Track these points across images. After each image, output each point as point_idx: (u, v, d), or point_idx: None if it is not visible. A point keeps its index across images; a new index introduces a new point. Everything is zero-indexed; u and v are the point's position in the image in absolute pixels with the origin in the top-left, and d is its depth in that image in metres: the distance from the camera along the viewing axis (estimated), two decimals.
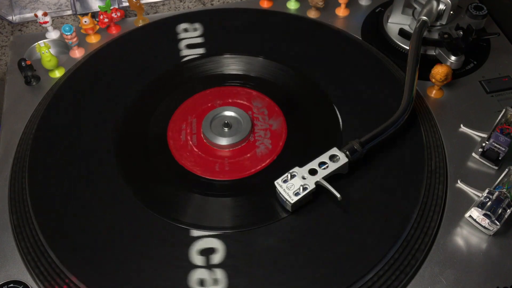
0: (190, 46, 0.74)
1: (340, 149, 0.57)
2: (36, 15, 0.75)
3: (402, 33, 0.74)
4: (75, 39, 0.75)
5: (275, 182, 0.55)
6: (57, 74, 0.73)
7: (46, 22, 0.75)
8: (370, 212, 0.56)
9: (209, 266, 0.52)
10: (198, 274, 0.52)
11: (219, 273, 0.52)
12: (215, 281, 0.51)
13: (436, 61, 0.70)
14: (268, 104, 0.68)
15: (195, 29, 0.77)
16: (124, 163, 0.61)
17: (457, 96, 0.69)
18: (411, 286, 0.52)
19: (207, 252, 0.53)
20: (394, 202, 0.57)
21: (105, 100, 0.68)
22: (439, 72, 0.65)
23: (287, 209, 0.56)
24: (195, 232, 0.55)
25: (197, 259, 0.53)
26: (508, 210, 0.54)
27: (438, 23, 0.72)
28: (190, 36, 0.76)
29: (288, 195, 0.54)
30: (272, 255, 0.53)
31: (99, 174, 0.60)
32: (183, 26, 0.77)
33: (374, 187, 0.58)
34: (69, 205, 0.57)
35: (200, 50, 0.73)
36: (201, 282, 0.51)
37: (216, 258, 0.53)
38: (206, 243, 0.54)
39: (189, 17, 0.79)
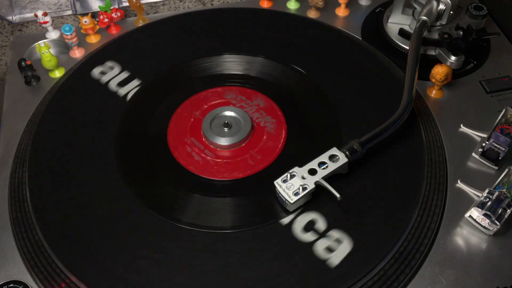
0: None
1: (339, 149, 0.57)
2: (36, 15, 0.75)
3: (402, 33, 0.74)
4: (75, 39, 0.75)
5: (275, 182, 0.55)
6: (57, 74, 0.73)
7: (46, 22, 0.75)
8: (369, 212, 0.56)
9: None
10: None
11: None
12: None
13: (436, 61, 0.70)
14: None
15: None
16: (124, 163, 0.61)
17: (457, 96, 0.69)
18: (411, 286, 0.52)
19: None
20: (394, 202, 0.57)
21: (105, 100, 0.68)
22: (439, 72, 0.65)
23: (286, 209, 0.56)
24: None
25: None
26: (508, 210, 0.54)
27: (438, 23, 0.72)
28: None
29: (287, 195, 0.54)
30: (268, 254, 0.53)
31: (99, 174, 0.60)
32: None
33: (373, 187, 0.58)
34: (69, 205, 0.57)
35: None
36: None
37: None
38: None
39: (188, 17, 0.79)
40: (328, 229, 0.54)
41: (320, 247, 0.53)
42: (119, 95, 0.68)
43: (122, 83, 0.70)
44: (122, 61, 0.72)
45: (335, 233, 0.54)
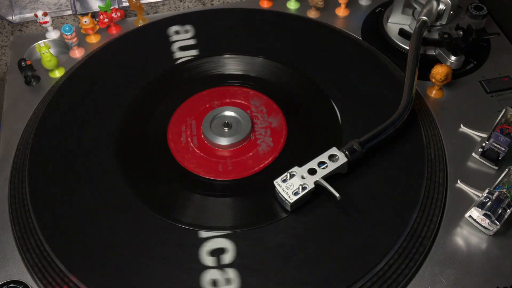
0: (190, 47, 0.74)
1: (339, 148, 0.57)
2: (36, 15, 0.75)
3: (402, 33, 0.74)
4: (75, 39, 0.75)
5: (274, 182, 0.55)
6: (57, 74, 0.73)
7: (46, 22, 0.75)
8: (369, 212, 0.56)
9: (220, 266, 0.52)
10: (201, 275, 0.52)
11: (231, 273, 0.52)
12: (216, 283, 0.51)
13: (436, 61, 0.70)
14: (268, 104, 0.68)
15: (195, 30, 0.77)
16: (124, 163, 0.61)
17: (457, 96, 0.69)
18: (411, 286, 0.52)
19: (215, 253, 0.53)
20: (393, 202, 0.57)
21: (105, 100, 0.68)
22: (439, 72, 0.65)
23: (286, 208, 0.56)
24: (202, 233, 0.55)
25: (198, 259, 0.53)
26: (508, 210, 0.54)
27: (438, 23, 0.72)
28: (190, 37, 0.76)
29: (287, 194, 0.54)
30: (274, 254, 0.53)
31: (99, 174, 0.60)
32: (183, 26, 0.77)
33: (373, 187, 0.58)
34: (69, 205, 0.57)
35: (200, 50, 0.74)
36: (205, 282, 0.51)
37: (226, 257, 0.53)
38: (213, 244, 0.54)
39: (188, 17, 0.79)
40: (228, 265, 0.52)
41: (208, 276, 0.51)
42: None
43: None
44: (123, 61, 0.72)
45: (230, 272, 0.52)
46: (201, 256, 0.53)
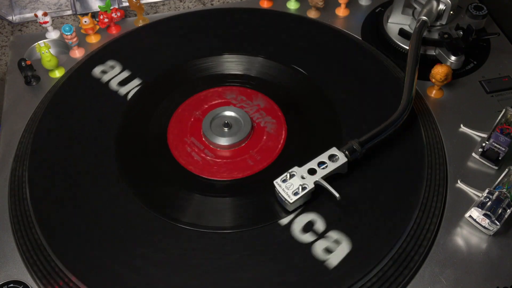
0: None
1: (339, 148, 0.57)
2: (36, 15, 0.75)
3: (402, 33, 0.74)
4: (75, 39, 0.75)
5: (274, 182, 0.55)
6: (57, 74, 0.73)
7: (46, 22, 0.75)
8: (369, 212, 0.56)
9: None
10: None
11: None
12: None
13: (436, 61, 0.70)
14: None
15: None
16: (124, 163, 0.61)
17: (457, 96, 0.69)
18: (411, 286, 0.52)
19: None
20: (393, 202, 0.57)
21: (105, 100, 0.68)
22: (439, 72, 0.65)
23: (286, 208, 0.56)
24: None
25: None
26: (508, 210, 0.54)
27: (438, 23, 0.72)
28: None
29: (287, 194, 0.54)
30: (267, 254, 0.53)
31: (99, 174, 0.60)
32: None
33: (373, 187, 0.58)
34: (69, 205, 0.57)
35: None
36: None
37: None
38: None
39: (189, 17, 0.79)
40: (327, 230, 0.54)
41: (319, 248, 0.53)
42: (119, 94, 0.68)
43: (122, 83, 0.70)
44: (123, 60, 0.72)
45: (334, 234, 0.54)
46: (295, 234, 0.54)
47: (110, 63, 0.72)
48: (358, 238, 0.54)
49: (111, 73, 0.71)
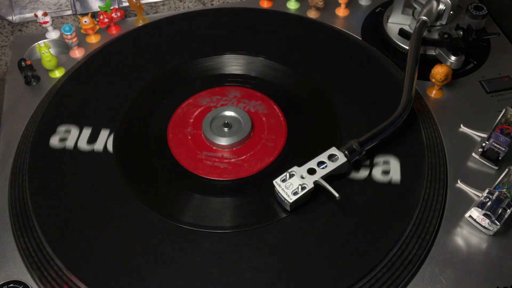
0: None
1: (339, 148, 0.57)
2: (36, 15, 0.75)
3: (402, 33, 0.74)
4: (75, 39, 0.75)
5: (274, 182, 0.55)
6: (57, 74, 0.73)
7: (46, 22, 0.75)
8: (369, 212, 0.56)
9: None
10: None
11: None
12: None
13: (436, 61, 0.70)
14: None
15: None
16: (124, 163, 0.61)
17: (457, 96, 0.69)
18: (411, 286, 0.52)
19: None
20: (393, 202, 0.57)
21: (105, 100, 0.68)
22: (439, 72, 0.65)
23: (285, 208, 0.56)
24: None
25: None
26: (508, 210, 0.54)
27: (438, 23, 0.72)
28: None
29: (286, 194, 0.54)
30: (267, 254, 0.53)
31: (99, 174, 0.60)
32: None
33: (373, 187, 0.58)
34: (69, 205, 0.57)
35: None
36: None
37: None
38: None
39: (188, 17, 0.79)
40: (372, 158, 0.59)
41: (376, 173, 0.59)
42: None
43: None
44: (122, 61, 0.72)
45: (379, 158, 0.59)
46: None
47: (62, 128, 0.65)
48: (358, 238, 0.54)
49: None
